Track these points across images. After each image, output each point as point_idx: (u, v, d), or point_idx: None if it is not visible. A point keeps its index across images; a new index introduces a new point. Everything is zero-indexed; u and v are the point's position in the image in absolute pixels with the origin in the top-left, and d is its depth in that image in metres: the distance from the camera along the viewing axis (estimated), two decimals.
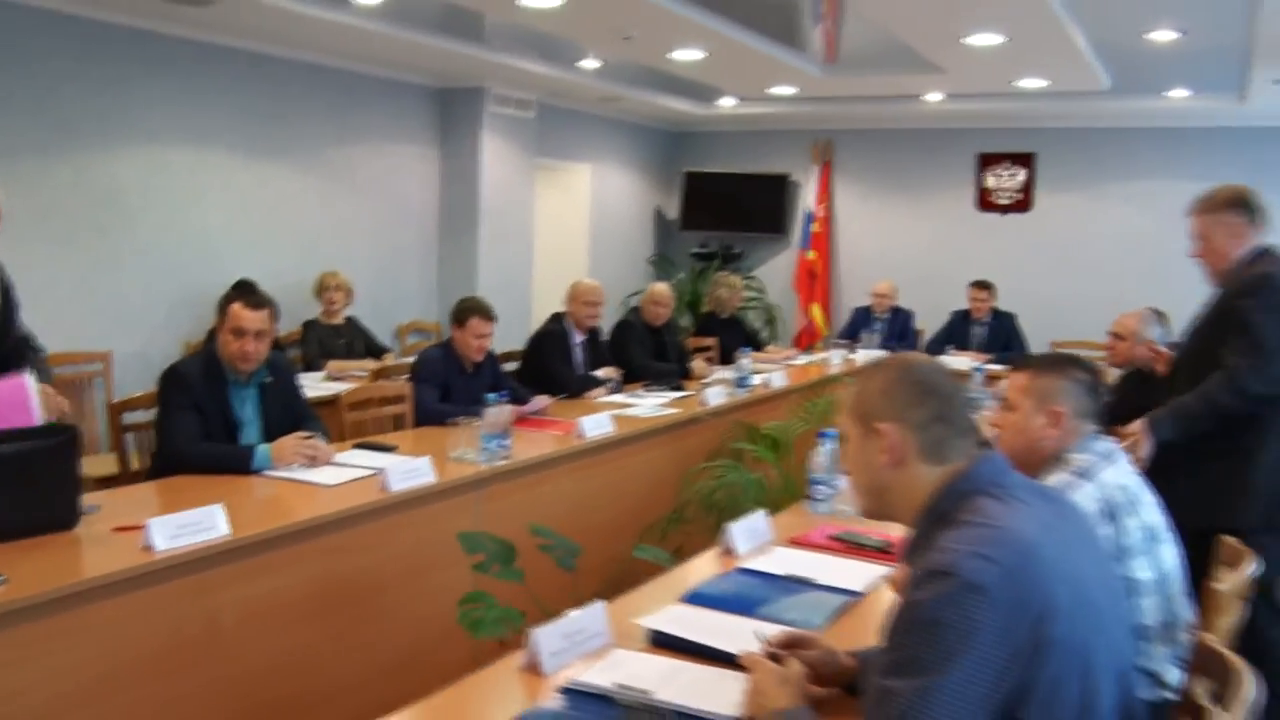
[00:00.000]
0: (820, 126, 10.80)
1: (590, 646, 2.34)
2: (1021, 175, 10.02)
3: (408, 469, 3.82)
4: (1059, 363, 2.72)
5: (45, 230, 5.98)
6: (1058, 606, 1.64)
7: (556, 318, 6.32)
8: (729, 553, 3.13)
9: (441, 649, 3.56)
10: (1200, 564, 2.73)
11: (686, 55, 7.45)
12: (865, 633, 2.33)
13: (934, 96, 9.18)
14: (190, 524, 3.06)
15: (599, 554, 3.82)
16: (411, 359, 5.89)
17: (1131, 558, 2.50)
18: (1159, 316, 5.22)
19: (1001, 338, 8.53)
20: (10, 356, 3.41)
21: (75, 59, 6.10)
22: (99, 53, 6.22)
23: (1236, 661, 1.91)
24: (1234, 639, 2.39)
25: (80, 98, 6.16)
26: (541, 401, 5.29)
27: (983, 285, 8.80)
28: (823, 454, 3.66)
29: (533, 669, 2.24)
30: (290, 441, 3.93)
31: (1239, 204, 3.83)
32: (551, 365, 6.04)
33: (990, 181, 10.16)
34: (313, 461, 3.93)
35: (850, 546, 3.20)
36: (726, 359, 7.31)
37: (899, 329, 9.12)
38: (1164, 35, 7.12)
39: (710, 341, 8.05)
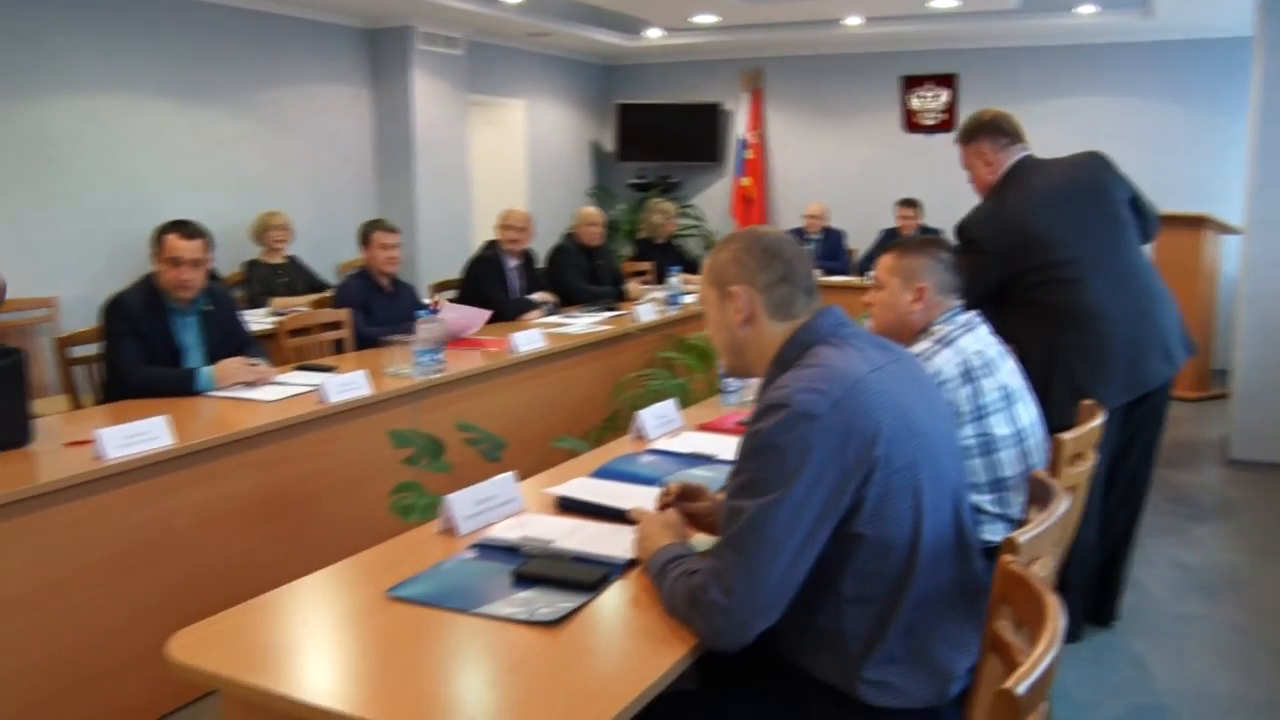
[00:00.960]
0: (748, 55, 10.98)
1: (503, 511, 2.59)
2: (945, 96, 10.26)
3: (344, 383, 4.06)
4: (923, 244, 2.98)
5: None
6: (882, 431, 1.90)
7: (490, 245, 6.52)
8: (640, 438, 3.40)
9: None
10: None
11: None
12: None
13: (854, 20, 9.39)
14: (137, 434, 3.29)
15: (531, 459, 4.08)
16: None
17: (989, 415, 2.79)
18: None
19: None
20: None
21: None
22: (18, 1, 6.29)
23: (1053, 483, 2.19)
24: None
25: (4, 44, 6.22)
26: (480, 314, 5.49)
27: (909, 203, 9.07)
28: None
29: (449, 532, 2.50)
30: (233, 363, 4.14)
31: (984, 130, 3.88)
32: (486, 290, 6.25)
33: (915, 103, 10.39)
34: (255, 381, 4.15)
35: None
36: (662, 283, 7.54)
37: (831, 248, 9.39)
38: None
39: (646, 265, 8.28)
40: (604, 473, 2.98)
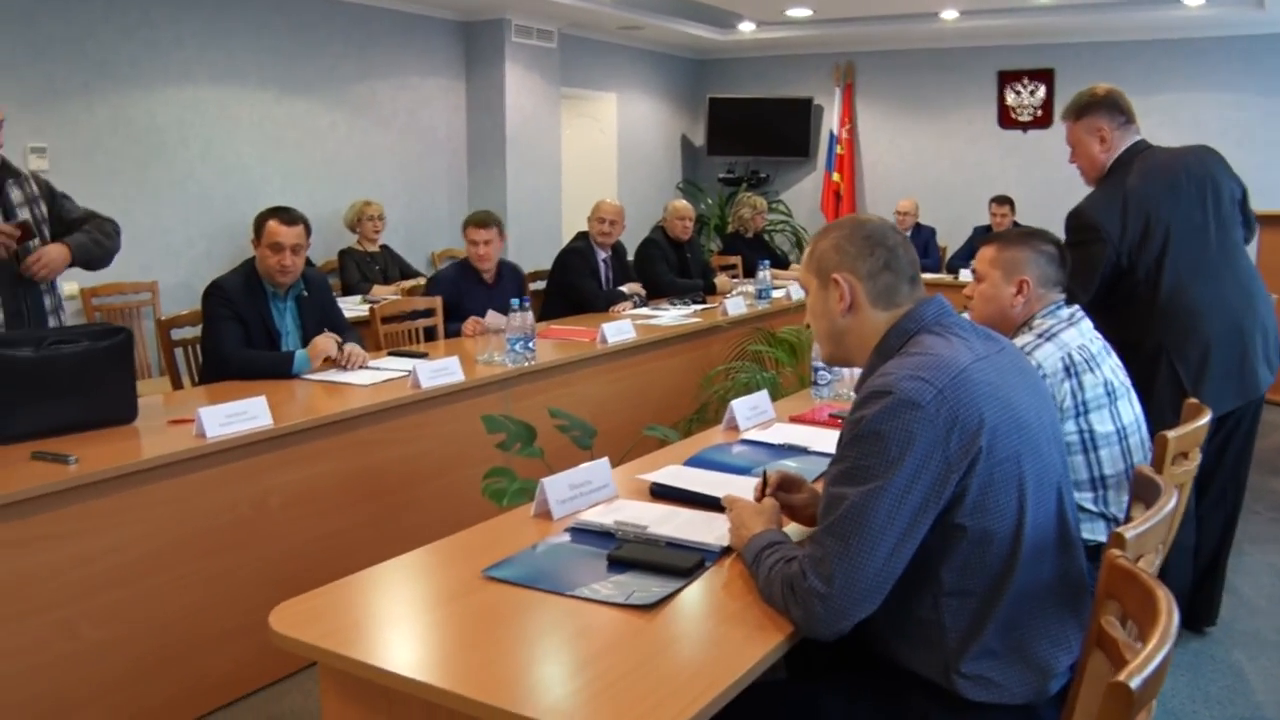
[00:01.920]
0: (841, 49, 10.89)
1: (596, 497, 2.60)
2: (1042, 91, 10.08)
3: (437, 368, 4.10)
4: (1025, 236, 2.92)
5: (89, 167, 6.26)
6: (986, 421, 1.87)
7: (581, 236, 6.54)
8: (733, 428, 3.39)
9: None
10: None
11: None
12: None
13: (950, 14, 9.26)
14: (237, 414, 3.35)
15: (620, 448, 4.08)
16: None
17: (1091, 411, 2.73)
18: None
19: None
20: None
21: (108, 2, 6.34)
22: None
23: (1159, 480, 2.14)
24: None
25: (116, 39, 6.40)
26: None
27: (1003, 201, 8.94)
28: None
29: (544, 515, 2.51)
30: (322, 338, 4.21)
31: (1101, 105, 3.70)
32: (576, 281, 6.27)
33: (1011, 98, 10.23)
34: (346, 360, 4.22)
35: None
36: (752, 276, 7.51)
37: (921, 245, 9.27)
38: None
39: (734, 259, 8.26)
40: (696, 461, 2.97)
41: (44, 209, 3.72)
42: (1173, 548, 3.04)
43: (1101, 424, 2.74)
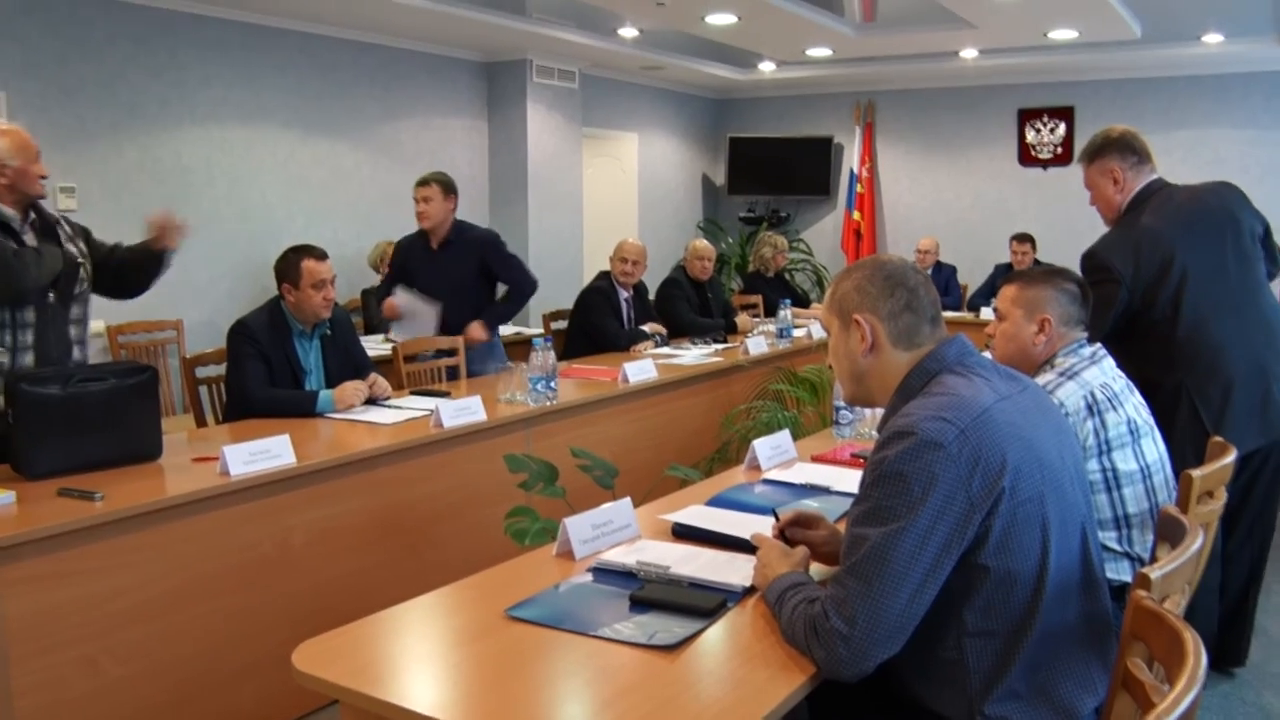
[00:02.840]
0: (861, 88, 10.94)
1: (618, 537, 2.60)
2: (1062, 129, 10.09)
3: (459, 408, 4.12)
4: (1047, 274, 2.92)
5: (117, 207, 6.33)
6: (1009, 461, 1.87)
7: (603, 275, 6.56)
8: (754, 468, 3.39)
9: None
10: None
11: (720, 19, 7.65)
12: None
13: (970, 53, 9.29)
14: (261, 452, 3.37)
15: (642, 487, 4.08)
16: None
17: (1114, 450, 2.72)
18: None
19: None
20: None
21: (137, 44, 6.45)
22: (159, 38, 6.56)
23: (1184, 520, 2.13)
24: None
25: (144, 81, 6.50)
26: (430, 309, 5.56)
27: (1024, 239, 8.93)
28: None
29: (566, 555, 2.51)
30: (351, 385, 4.24)
31: (1113, 147, 3.70)
32: (598, 320, 6.29)
33: (1031, 136, 10.24)
34: (374, 391, 4.30)
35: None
36: (773, 316, 7.51)
37: (942, 284, 9.27)
38: None
39: (755, 299, 8.27)
40: (718, 501, 2.97)
41: (82, 246, 3.76)
42: (1199, 588, 3.02)
43: (1125, 463, 2.73)
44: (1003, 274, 8.90)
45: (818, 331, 6.83)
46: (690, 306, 7.07)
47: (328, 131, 7.65)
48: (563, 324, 6.84)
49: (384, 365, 5.23)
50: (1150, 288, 3.51)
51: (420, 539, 3.96)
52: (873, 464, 1.93)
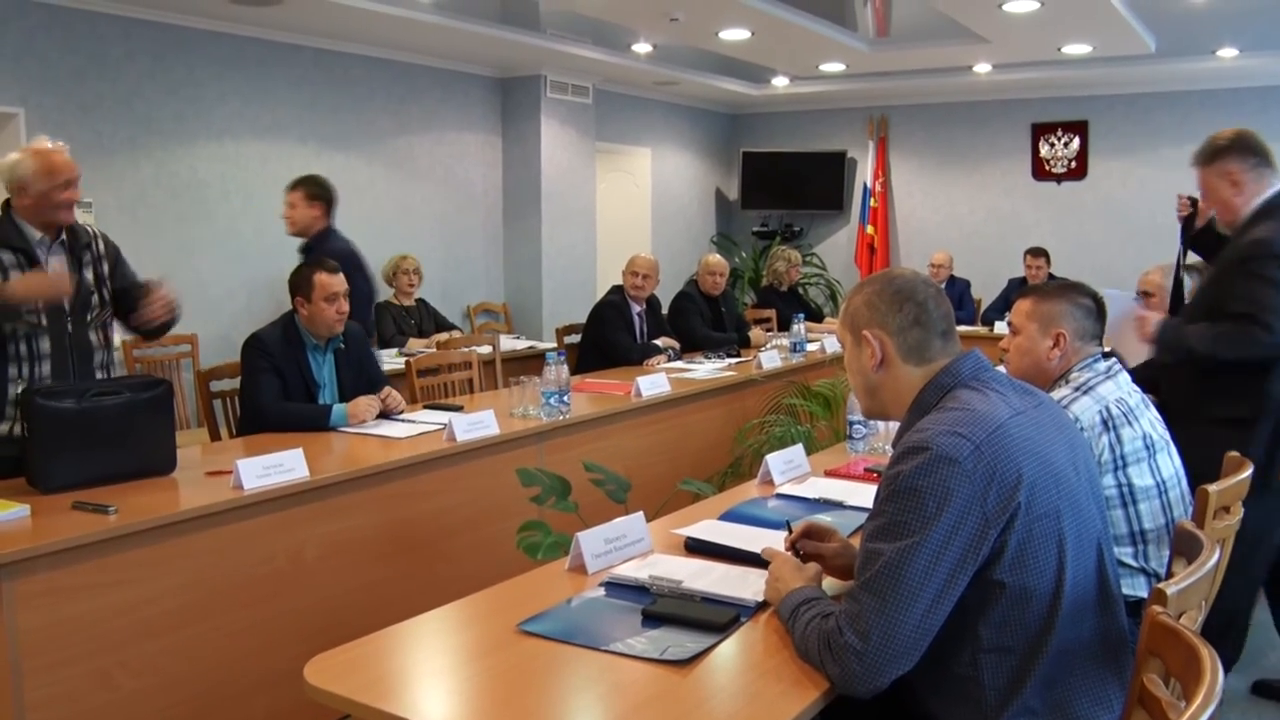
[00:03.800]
0: (875, 103, 10.94)
1: (631, 551, 2.59)
2: (1075, 143, 10.08)
3: (472, 422, 4.12)
4: (1062, 289, 2.91)
5: (133, 221, 6.37)
6: (1024, 477, 1.86)
7: (616, 289, 6.57)
8: (768, 482, 3.38)
9: None
10: None
11: (733, 35, 7.68)
12: None
13: (983, 68, 9.29)
14: (274, 465, 3.37)
15: (655, 501, 4.07)
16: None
17: (1130, 465, 2.70)
18: (1190, 269, 5.27)
19: None
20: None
21: (154, 61, 6.50)
22: (175, 54, 6.61)
23: (1201, 535, 2.11)
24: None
25: (160, 97, 6.55)
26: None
27: (1038, 253, 8.91)
28: None
29: (578, 569, 2.50)
30: (364, 400, 4.24)
31: (1231, 149, 3.60)
32: (611, 335, 6.30)
33: (1045, 150, 10.23)
34: (387, 405, 4.31)
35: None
36: (786, 330, 7.51)
37: (956, 298, 9.24)
38: None
39: (768, 313, 8.26)
40: (731, 516, 2.96)
41: (106, 269, 3.75)
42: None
43: (1140, 478, 2.71)
44: (1016, 288, 8.88)
45: (831, 345, 6.82)
46: (703, 320, 7.07)
47: (342, 146, 7.69)
48: (576, 338, 6.85)
49: (397, 379, 5.24)
50: None
51: (433, 553, 3.96)
52: (887, 479, 1.92)
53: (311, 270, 4.31)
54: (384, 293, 7.38)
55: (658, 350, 6.32)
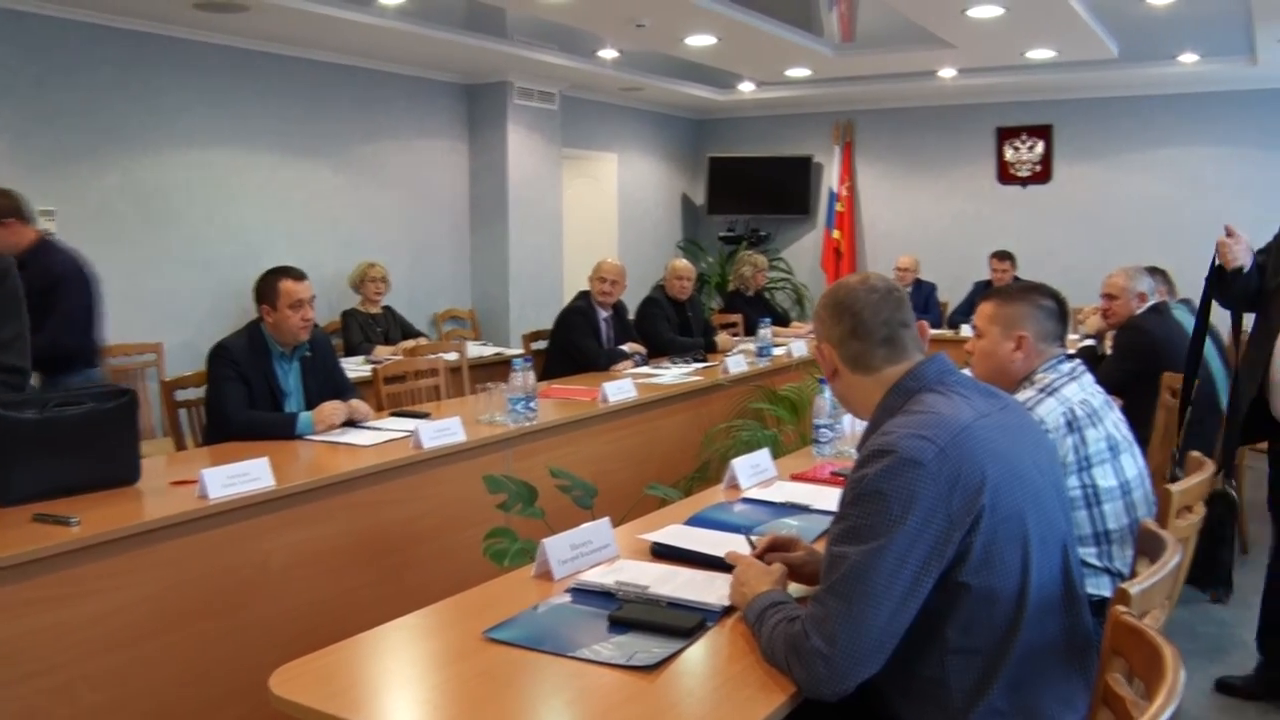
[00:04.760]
0: (840, 108, 10.99)
1: (597, 557, 2.59)
2: (1040, 147, 10.16)
3: (439, 429, 4.10)
4: (1024, 291, 2.94)
5: (97, 230, 6.31)
6: (988, 479, 1.87)
7: (583, 295, 6.57)
8: (734, 487, 3.38)
9: None
10: None
11: (699, 41, 7.69)
12: None
13: (948, 72, 9.35)
14: (239, 474, 3.35)
15: (622, 507, 4.07)
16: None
17: (1094, 466, 2.73)
18: (1154, 272, 5.34)
19: None
20: None
21: (118, 68, 6.45)
22: (139, 62, 6.56)
23: (1164, 535, 2.13)
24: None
25: (124, 105, 6.50)
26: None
27: (1004, 256, 8.96)
28: (825, 401, 3.89)
29: (544, 576, 2.50)
30: (329, 405, 4.22)
31: None
32: (578, 340, 6.29)
33: (1009, 154, 10.31)
34: (353, 415, 4.27)
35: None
36: (752, 334, 7.52)
37: (922, 301, 9.30)
38: None
39: (735, 318, 8.28)
40: (697, 521, 2.96)
41: None
42: None
43: (1105, 479, 2.73)
44: (982, 291, 8.92)
45: (798, 350, 6.84)
46: (670, 326, 7.08)
47: (309, 153, 7.65)
48: (542, 344, 6.84)
49: (364, 386, 5.22)
50: None
51: (400, 561, 3.94)
52: (852, 482, 1.93)
53: (277, 277, 4.29)
54: (351, 300, 7.36)
55: (624, 356, 6.32)
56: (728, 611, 2.24)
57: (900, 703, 1.99)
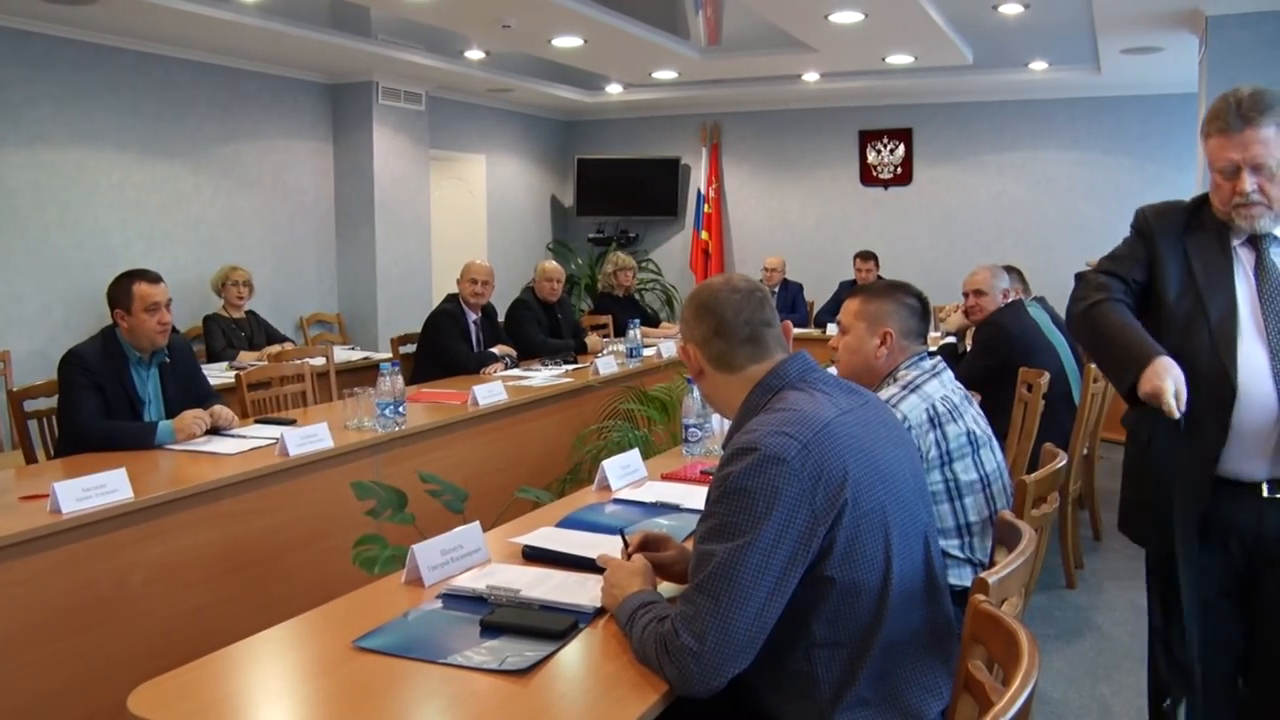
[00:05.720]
0: (707, 110, 11.11)
1: (468, 562, 2.57)
2: (901, 150, 10.41)
3: (305, 435, 4.02)
4: (888, 288, 3.00)
5: None
6: (850, 474, 1.91)
7: (451, 298, 6.51)
8: (605, 488, 3.39)
9: None
10: None
11: (566, 42, 7.70)
12: None
13: (812, 76, 9.53)
14: (95, 487, 3.23)
15: (493, 510, 4.05)
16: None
17: (955, 460, 2.80)
18: (1010, 270, 5.52)
19: None
20: None
21: None
22: None
23: (1020, 525, 2.21)
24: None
25: None
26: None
27: (867, 256, 9.17)
28: (694, 400, 3.93)
29: (415, 582, 2.47)
30: (190, 414, 4.10)
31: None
32: (447, 343, 6.24)
33: (872, 157, 10.54)
34: (215, 421, 4.15)
35: None
36: (623, 335, 7.55)
37: (789, 301, 9.45)
38: (1011, 9, 7.44)
39: (605, 319, 8.30)
40: (569, 523, 2.96)
41: None
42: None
43: (965, 473, 2.81)
44: (847, 290, 9.11)
45: (667, 350, 6.89)
46: (540, 327, 7.07)
47: (165, 154, 7.43)
48: (411, 347, 6.76)
49: (227, 393, 5.09)
50: None
51: (268, 572, 3.85)
52: (717, 480, 1.95)
53: (131, 280, 4.15)
54: (213, 304, 7.17)
55: (494, 358, 6.29)
56: (600, 613, 2.25)
57: (770, 697, 2.02)
